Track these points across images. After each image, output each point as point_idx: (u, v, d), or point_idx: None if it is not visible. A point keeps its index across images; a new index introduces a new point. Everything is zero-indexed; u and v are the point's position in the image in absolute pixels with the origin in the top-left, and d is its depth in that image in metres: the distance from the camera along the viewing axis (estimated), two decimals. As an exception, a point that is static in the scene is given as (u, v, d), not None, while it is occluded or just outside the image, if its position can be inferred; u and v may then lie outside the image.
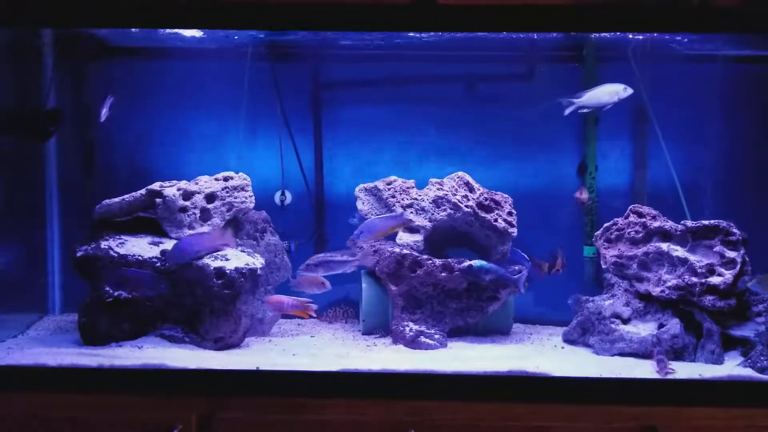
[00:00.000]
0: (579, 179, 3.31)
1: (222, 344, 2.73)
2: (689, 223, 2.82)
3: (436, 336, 2.85)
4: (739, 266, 2.69)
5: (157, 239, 2.84)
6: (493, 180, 3.20)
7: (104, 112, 2.92)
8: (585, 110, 2.91)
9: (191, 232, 2.86)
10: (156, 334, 2.74)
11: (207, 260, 2.70)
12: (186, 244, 2.70)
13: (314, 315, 2.70)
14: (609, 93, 2.87)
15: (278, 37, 3.13)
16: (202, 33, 2.91)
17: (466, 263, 2.82)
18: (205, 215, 2.90)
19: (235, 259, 2.77)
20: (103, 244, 2.73)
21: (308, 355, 2.69)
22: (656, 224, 2.86)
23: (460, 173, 3.09)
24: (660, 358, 2.51)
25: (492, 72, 3.39)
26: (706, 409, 2.36)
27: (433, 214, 3.01)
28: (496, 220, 3.02)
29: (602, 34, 2.90)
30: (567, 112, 2.92)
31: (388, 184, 3.08)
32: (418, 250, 2.94)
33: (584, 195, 3.10)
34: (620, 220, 2.95)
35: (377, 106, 3.40)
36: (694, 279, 2.70)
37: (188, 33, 2.90)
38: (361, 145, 3.41)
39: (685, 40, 2.93)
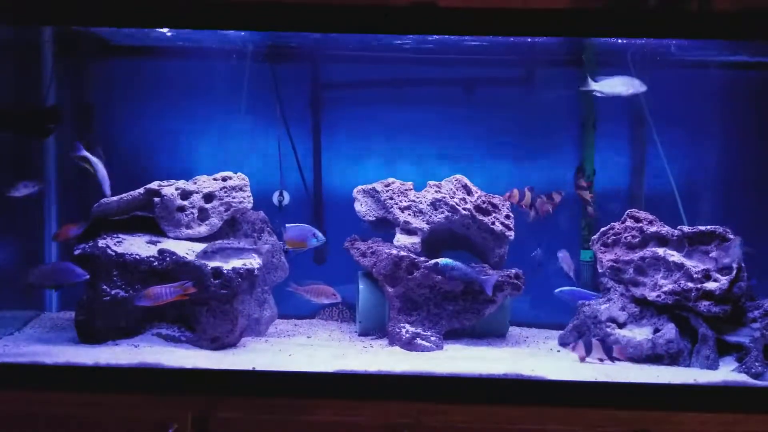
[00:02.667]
0: (575, 182, 3.32)
1: (218, 344, 2.74)
2: (686, 228, 2.83)
3: (433, 338, 2.85)
4: (734, 272, 2.70)
5: (155, 238, 2.84)
6: (491, 183, 3.21)
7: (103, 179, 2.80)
8: (598, 94, 3.00)
9: (189, 231, 2.87)
10: (153, 333, 2.74)
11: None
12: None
13: (193, 290, 2.62)
14: (624, 84, 2.97)
15: (278, 38, 3.13)
16: (202, 32, 2.91)
17: (433, 261, 2.82)
18: (203, 215, 2.90)
19: (233, 259, 2.78)
20: (101, 243, 2.73)
21: (304, 355, 2.69)
22: (653, 229, 2.87)
23: (458, 176, 3.09)
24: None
25: (491, 75, 3.39)
26: (699, 414, 2.36)
27: (430, 216, 3.02)
28: (493, 223, 3.03)
29: (601, 39, 2.91)
30: (582, 89, 3.01)
31: (386, 185, 3.08)
32: (415, 252, 2.94)
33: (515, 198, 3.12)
34: (617, 225, 2.96)
35: (377, 108, 3.40)
36: (690, 284, 2.71)
37: (189, 33, 2.90)
38: (360, 147, 3.42)
39: (684, 45, 2.95)
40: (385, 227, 3.11)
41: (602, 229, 2.98)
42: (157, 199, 2.85)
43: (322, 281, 2.87)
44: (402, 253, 2.90)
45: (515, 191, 3.10)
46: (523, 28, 2.58)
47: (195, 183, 2.94)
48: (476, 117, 3.35)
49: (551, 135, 3.36)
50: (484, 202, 3.05)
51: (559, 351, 2.91)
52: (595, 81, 2.99)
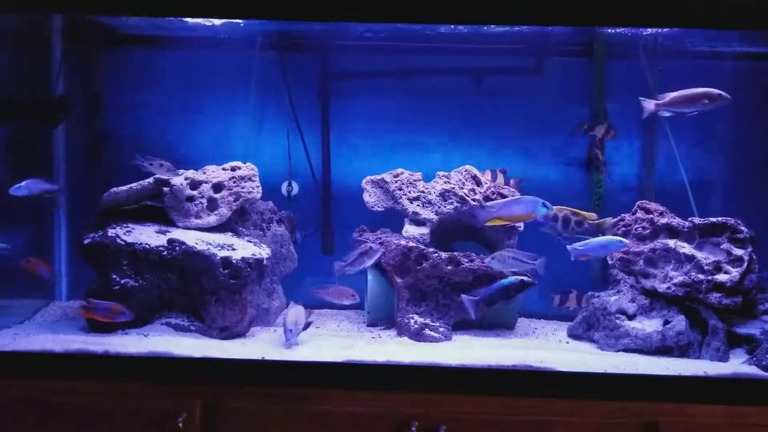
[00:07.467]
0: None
1: (227, 333, 2.74)
2: (696, 220, 2.81)
3: (441, 329, 2.85)
4: (746, 264, 2.68)
5: (164, 228, 2.85)
6: (499, 174, 3.20)
7: None
8: (666, 114, 2.58)
9: (198, 221, 2.87)
10: (162, 323, 2.75)
11: (214, 250, 2.71)
12: None
13: (101, 317, 2.63)
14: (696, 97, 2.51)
15: (288, 27, 3.13)
16: (211, 22, 2.91)
17: None
18: (213, 205, 2.90)
19: (242, 249, 2.78)
20: (111, 232, 2.74)
21: (313, 345, 2.69)
22: (663, 221, 2.86)
23: (468, 167, 3.08)
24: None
25: (500, 65, 3.38)
26: (709, 406, 2.35)
27: (439, 207, 3.01)
28: (502, 214, 3.02)
29: (613, 29, 2.89)
30: (645, 116, 2.64)
31: (395, 176, 3.08)
32: (424, 243, 2.94)
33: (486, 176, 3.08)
34: (627, 216, 2.94)
35: (386, 98, 3.39)
36: (701, 276, 2.69)
37: (197, 22, 2.90)
38: (369, 137, 3.41)
39: (697, 35, 2.92)
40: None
41: (613, 221, 2.97)
42: (166, 189, 2.85)
43: (354, 293, 2.86)
44: (411, 243, 2.89)
45: (487, 172, 3.07)
46: (534, 17, 2.56)
47: (204, 173, 2.95)
48: (485, 108, 3.34)
49: (562, 125, 3.34)
50: (493, 193, 3.04)
51: (568, 342, 2.90)
52: (657, 99, 2.60)
